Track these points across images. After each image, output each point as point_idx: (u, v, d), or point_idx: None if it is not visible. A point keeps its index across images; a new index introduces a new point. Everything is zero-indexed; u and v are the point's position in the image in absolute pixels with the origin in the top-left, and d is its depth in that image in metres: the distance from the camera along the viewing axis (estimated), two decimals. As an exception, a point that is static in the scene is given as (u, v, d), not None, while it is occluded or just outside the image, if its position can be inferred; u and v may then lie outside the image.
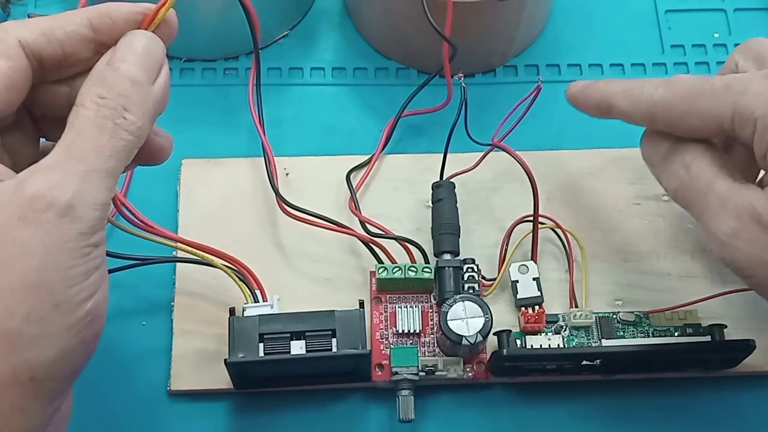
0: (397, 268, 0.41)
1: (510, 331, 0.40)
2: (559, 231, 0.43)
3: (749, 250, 0.32)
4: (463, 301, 0.39)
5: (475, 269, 0.42)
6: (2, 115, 0.29)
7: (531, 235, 0.42)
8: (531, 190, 0.41)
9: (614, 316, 0.42)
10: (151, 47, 0.31)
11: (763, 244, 0.31)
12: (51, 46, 0.30)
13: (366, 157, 0.46)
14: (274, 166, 0.44)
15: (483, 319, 0.38)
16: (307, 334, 0.38)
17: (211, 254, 0.40)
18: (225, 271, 0.40)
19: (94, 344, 0.29)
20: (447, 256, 0.41)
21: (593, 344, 0.41)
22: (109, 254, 0.42)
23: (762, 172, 0.35)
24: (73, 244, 0.27)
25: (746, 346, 0.39)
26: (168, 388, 0.41)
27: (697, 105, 0.33)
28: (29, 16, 0.51)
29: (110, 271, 0.43)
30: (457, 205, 0.43)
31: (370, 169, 0.45)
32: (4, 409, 0.26)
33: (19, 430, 0.27)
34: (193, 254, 0.40)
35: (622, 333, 0.41)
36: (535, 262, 0.42)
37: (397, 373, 0.39)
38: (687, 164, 0.34)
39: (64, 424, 0.31)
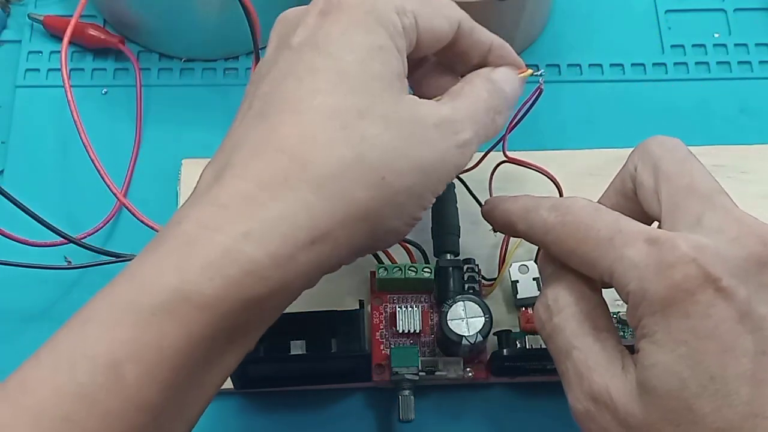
0: (397, 268, 0.41)
1: (510, 331, 0.40)
2: (559, 231, 0.43)
3: (584, 415, 0.30)
4: (463, 301, 0.39)
5: (475, 269, 0.42)
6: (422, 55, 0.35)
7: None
8: (531, 190, 0.41)
9: (614, 316, 0.42)
10: (519, 88, 0.37)
11: (601, 416, 0.30)
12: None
13: (366, 157, 0.46)
14: (274, 166, 0.44)
15: (483, 319, 0.38)
16: (307, 334, 0.38)
17: (211, 254, 0.40)
18: (225, 271, 0.40)
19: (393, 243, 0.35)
20: (447, 256, 0.41)
21: (593, 344, 0.41)
22: (109, 254, 0.43)
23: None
24: (454, 172, 0.33)
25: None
26: (168, 388, 0.41)
27: (582, 249, 0.31)
28: (29, 17, 0.51)
29: (108, 263, 0.43)
30: (457, 205, 0.43)
31: (370, 169, 0.45)
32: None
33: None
34: (193, 254, 0.40)
35: (622, 333, 0.41)
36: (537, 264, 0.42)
37: (397, 373, 0.39)
38: (551, 310, 0.32)
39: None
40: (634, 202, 0.34)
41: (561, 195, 0.42)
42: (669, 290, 0.28)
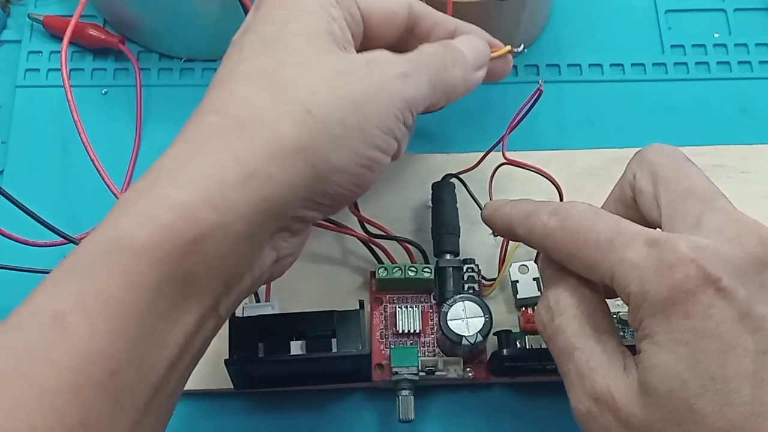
0: (397, 268, 0.41)
1: (510, 331, 0.40)
2: (559, 231, 0.43)
3: (586, 414, 0.30)
4: (463, 301, 0.39)
5: (475, 269, 0.42)
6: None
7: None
8: (532, 190, 0.41)
9: (614, 316, 0.41)
10: (484, 52, 0.38)
11: (603, 416, 0.30)
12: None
13: (366, 157, 0.46)
14: (274, 166, 0.44)
15: (483, 319, 0.38)
16: (307, 334, 0.38)
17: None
18: (225, 271, 0.40)
19: (356, 192, 0.33)
20: (447, 256, 0.41)
21: (593, 344, 0.41)
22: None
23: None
24: (399, 103, 0.32)
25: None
26: (168, 388, 0.41)
27: (582, 252, 0.31)
28: (29, 17, 0.51)
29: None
30: (457, 205, 0.43)
31: (370, 169, 0.45)
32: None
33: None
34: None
35: (622, 333, 0.41)
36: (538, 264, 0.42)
37: (397, 373, 0.39)
38: (553, 311, 0.32)
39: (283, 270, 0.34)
40: (634, 210, 0.34)
41: (560, 195, 0.42)
42: (669, 291, 0.28)
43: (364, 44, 0.35)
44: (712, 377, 0.28)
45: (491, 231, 0.38)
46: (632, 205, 0.34)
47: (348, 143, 0.31)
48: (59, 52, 0.45)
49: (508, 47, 0.39)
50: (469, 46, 0.37)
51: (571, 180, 0.45)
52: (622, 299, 0.30)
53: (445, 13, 0.43)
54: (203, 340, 0.30)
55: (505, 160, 0.42)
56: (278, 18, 0.33)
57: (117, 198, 0.43)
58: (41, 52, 0.51)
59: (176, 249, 0.28)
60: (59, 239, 0.42)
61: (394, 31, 0.36)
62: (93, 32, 0.50)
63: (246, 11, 0.43)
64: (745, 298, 0.28)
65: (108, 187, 0.43)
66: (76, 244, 0.42)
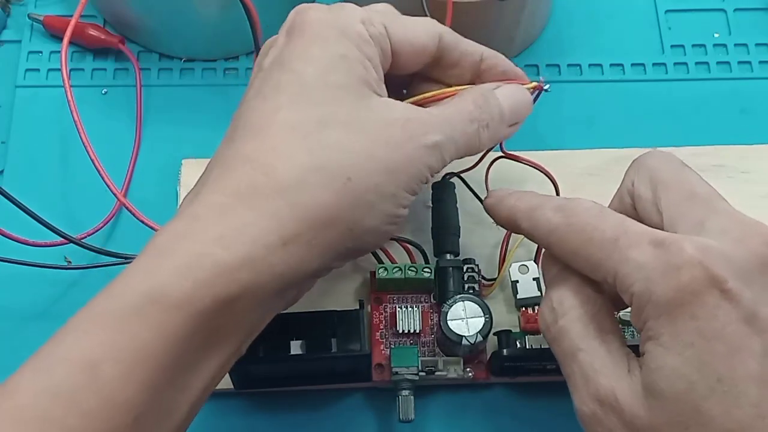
0: (397, 268, 0.41)
1: (510, 331, 0.40)
2: (559, 231, 0.43)
3: (590, 417, 0.30)
4: (463, 301, 0.39)
5: (475, 269, 0.42)
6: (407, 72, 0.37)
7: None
8: (529, 188, 0.41)
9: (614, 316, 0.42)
10: (525, 107, 0.37)
11: (607, 417, 0.30)
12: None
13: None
14: (274, 166, 0.44)
15: (483, 319, 0.38)
16: (307, 334, 0.38)
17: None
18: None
19: (380, 244, 0.38)
20: (447, 256, 0.41)
21: (593, 344, 0.41)
22: (109, 254, 0.43)
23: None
24: (427, 171, 0.33)
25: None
26: (168, 388, 0.41)
27: (586, 250, 0.31)
28: (29, 17, 0.51)
29: (109, 266, 0.43)
30: (457, 205, 0.43)
31: (370, 169, 0.45)
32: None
33: None
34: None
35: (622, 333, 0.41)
36: (538, 265, 0.42)
37: (397, 373, 0.39)
38: (556, 312, 0.32)
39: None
40: (635, 218, 0.34)
41: (558, 193, 0.41)
42: (675, 292, 0.28)
43: (390, 71, 0.36)
44: (719, 379, 0.28)
45: (494, 221, 0.38)
46: (632, 214, 0.34)
47: (380, 206, 0.32)
48: (59, 52, 0.45)
49: (535, 83, 0.38)
50: (511, 101, 0.37)
51: (571, 180, 0.45)
52: (623, 299, 0.30)
53: (444, 13, 0.43)
54: (221, 376, 0.31)
55: (502, 153, 0.42)
56: (316, 60, 0.32)
57: (117, 198, 0.44)
58: (41, 52, 0.51)
59: (211, 305, 0.29)
60: (59, 239, 0.42)
61: (421, 63, 0.36)
62: (93, 32, 0.50)
63: (246, 11, 0.43)
64: (750, 300, 0.28)
65: (108, 187, 0.43)
66: (77, 244, 0.42)
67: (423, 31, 0.35)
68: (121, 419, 0.27)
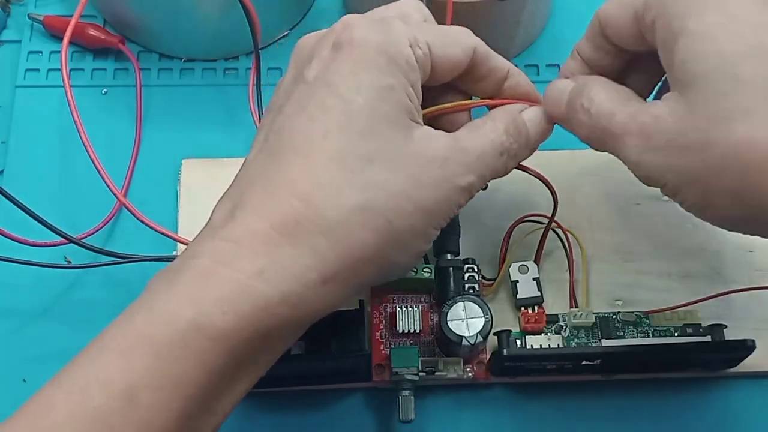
0: (397, 268, 0.41)
1: (510, 331, 0.40)
2: (559, 231, 0.43)
3: (657, 160, 0.31)
4: (463, 301, 0.39)
5: (475, 269, 0.42)
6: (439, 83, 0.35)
7: (531, 235, 0.43)
8: (531, 190, 0.41)
9: (614, 316, 0.42)
10: (548, 132, 0.38)
11: (668, 150, 0.31)
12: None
13: (366, 157, 0.45)
14: (274, 166, 0.44)
15: (483, 319, 0.38)
16: (307, 334, 0.38)
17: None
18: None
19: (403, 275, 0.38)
20: (447, 256, 0.41)
21: (593, 344, 0.41)
22: (109, 254, 0.43)
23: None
24: (456, 209, 0.34)
25: (746, 346, 0.39)
26: (168, 388, 0.41)
27: None
28: (29, 17, 0.51)
29: (108, 265, 0.43)
30: (457, 205, 0.43)
31: (370, 169, 0.45)
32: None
33: None
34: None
35: (622, 333, 0.41)
36: (538, 265, 0.42)
37: (397, 373, 0.39)
38: (587, 109, 0.34)
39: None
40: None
41: (554, 197, 0.41)
42: None
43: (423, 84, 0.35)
44: (751, 45, 0.29)
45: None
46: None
47: (412, 244, 0.33)
48: (59, 52, 0.45)
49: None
50: (537, 127, 0.37)
51: (571, 180, 0.45)
52: (646, 37, 0.32)
53: (444, 13, 0.43)
54: (244, 396, 0.32)
55: None
56: (365, 89, 0.32)
57: (117, 198, 0.44)
58: (41, 52, 0.51)
59: (250, 337, 0.29)
60: (59, 239, 0.42)
61: (451, 77, 0.36)
62: (93, 32, 0.50)
63: (246, 11, 0.43)
64: None
65: (108, 187, 0.43)
66: (77, 244, 0.42)
67: (459, 46, 0.35)
68: None
